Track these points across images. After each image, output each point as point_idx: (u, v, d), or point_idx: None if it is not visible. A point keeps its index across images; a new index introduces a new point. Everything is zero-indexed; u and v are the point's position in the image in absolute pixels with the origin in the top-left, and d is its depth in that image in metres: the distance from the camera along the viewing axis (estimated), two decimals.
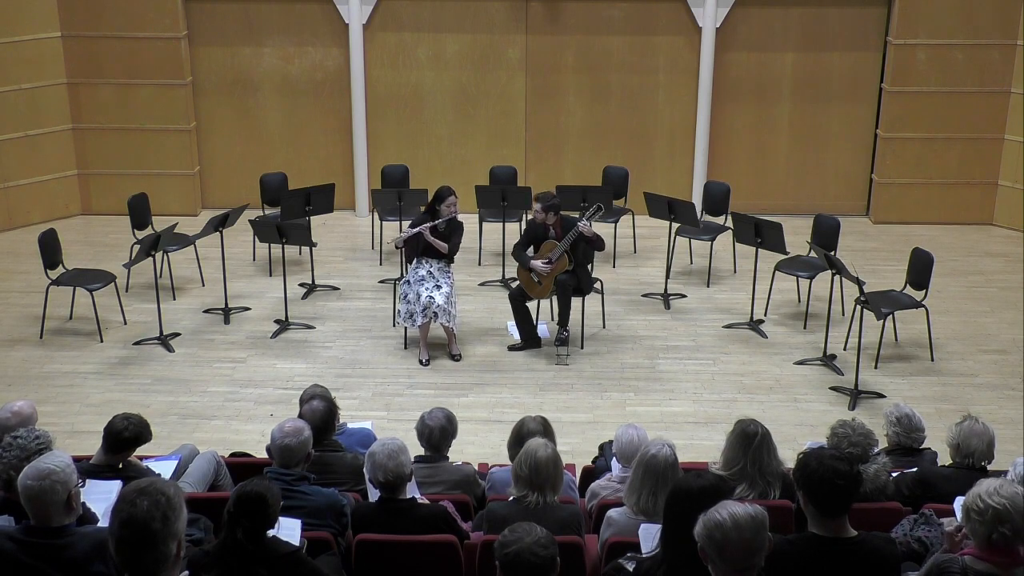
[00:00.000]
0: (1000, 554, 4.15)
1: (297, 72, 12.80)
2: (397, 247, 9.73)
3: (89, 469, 5.57)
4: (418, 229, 9.32)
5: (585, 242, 9.32)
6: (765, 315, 10.32)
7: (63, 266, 10.17)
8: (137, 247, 10.06)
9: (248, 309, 10.49)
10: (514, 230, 11.40)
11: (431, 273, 9.42)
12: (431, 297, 9.25)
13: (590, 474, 6.47)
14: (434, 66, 12.76)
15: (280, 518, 4.59)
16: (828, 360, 9.42)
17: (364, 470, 5.73)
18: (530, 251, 9.62)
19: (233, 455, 6.82)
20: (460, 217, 9.59)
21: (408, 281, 9.44)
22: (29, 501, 4.23)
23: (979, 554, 4.19)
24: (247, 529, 4.34)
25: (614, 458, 6.02)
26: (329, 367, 9.42)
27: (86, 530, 4.36)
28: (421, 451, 6.11)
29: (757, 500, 5.19)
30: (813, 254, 10.19)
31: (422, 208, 9.92)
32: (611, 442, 6.69)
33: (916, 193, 12.74)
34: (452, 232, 9.44)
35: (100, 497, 5.22)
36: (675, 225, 10.78)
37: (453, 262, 9.60)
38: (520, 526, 3.88)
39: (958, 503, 4.83)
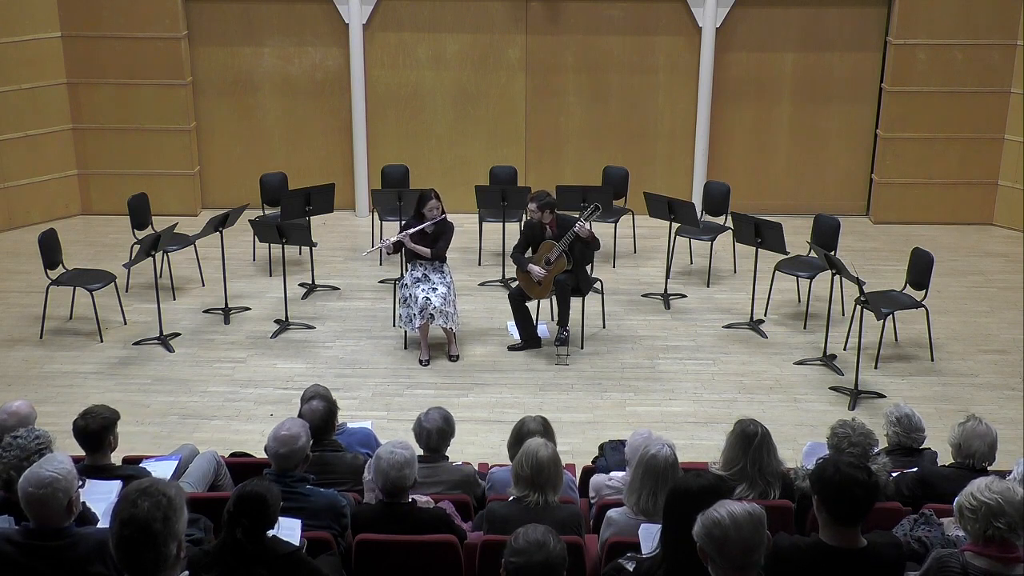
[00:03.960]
0: (997, 549, 4.19)
1: (297, 72, 12.80)
2: (388, 254, 9.74)
3: (88, 469, 5.56)
4: (397, 238, 9.33)
5: (582, 243, 9.31)
6: (765, 315, 10.32)
7: (63, 266, 10.16)
8: (137, 247, 10.07)
9: (248, 309, 10.49)
10: (514, 230, 11.40)
11: (426, 275, 9.42)
12: (427, 299, 9.25)
13: (590, 474, 6.47)
14: (434, 66, 12.76)
15: (280, 518, 4.59)
16: (828, 360, 9.42)
17: (365, 468, 5.72)
18: (528, 252, 9.62)
19: (233, 455, 6.81)
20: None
21: (406, 284, 9.45)
22: (30, 506, 4.23)
23: (977, 549, 4.22)
24: (247, 529, 4.34)
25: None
26: (329, 367, 9.42)
27: (86, 531, 4.36)
28: (420, 451, 6.10)
29: (757, 500, 5.19)
30: (813, 254, 10.19)
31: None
32: (611, 442, 6.70)
33: (916, 193, 12.74)
34: (440, 235, 9.40)
35: (100, 497, 5.21)
36: (675, 225, 10.78)
37: (444, 261, 9.59)
38: (530, 536, 3.81)
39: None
